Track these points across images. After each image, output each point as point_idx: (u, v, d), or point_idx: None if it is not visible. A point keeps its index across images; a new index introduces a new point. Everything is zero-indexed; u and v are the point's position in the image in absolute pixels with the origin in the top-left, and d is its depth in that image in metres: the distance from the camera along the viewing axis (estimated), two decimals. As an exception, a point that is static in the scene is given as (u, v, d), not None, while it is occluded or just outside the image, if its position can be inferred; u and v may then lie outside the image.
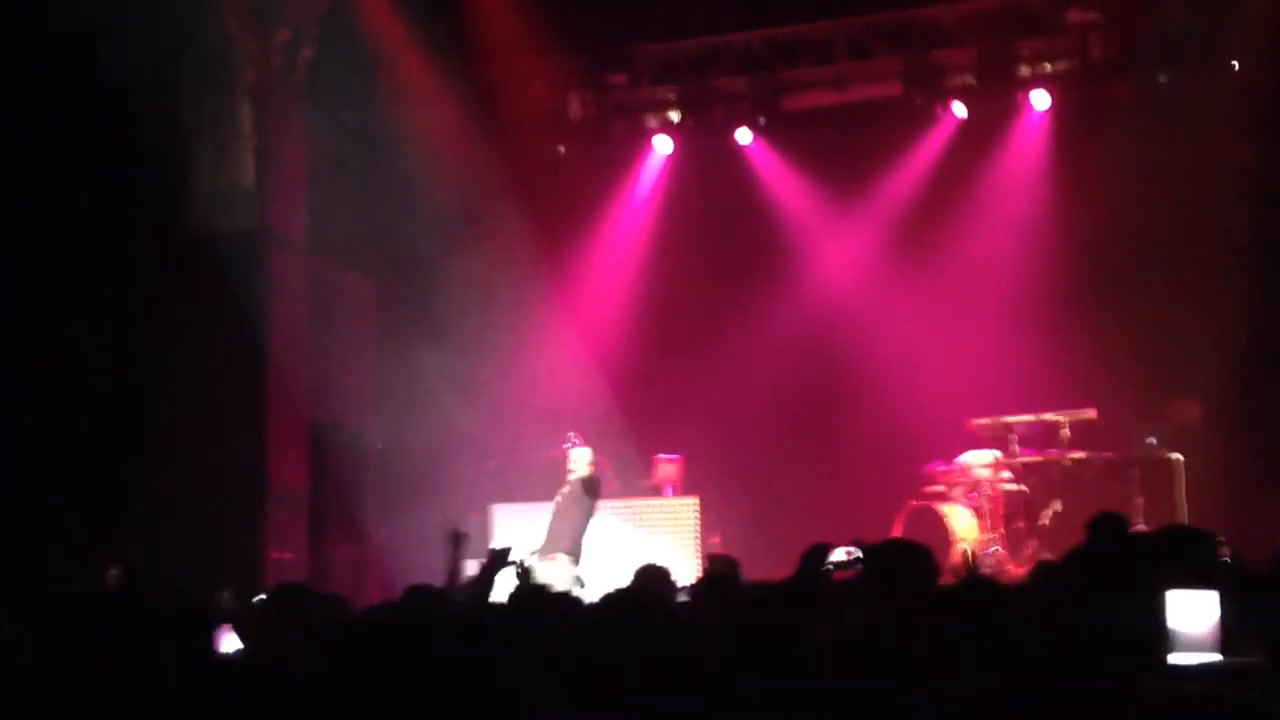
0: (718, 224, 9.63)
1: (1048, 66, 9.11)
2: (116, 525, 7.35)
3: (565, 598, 3.50)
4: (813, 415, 9.39)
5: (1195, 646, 3.00)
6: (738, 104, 9.35)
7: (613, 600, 3.16)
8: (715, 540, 8.22)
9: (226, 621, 3.63)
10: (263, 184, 8.41)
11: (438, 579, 6.79)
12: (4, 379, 7.62)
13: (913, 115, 9.22)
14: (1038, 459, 8.53)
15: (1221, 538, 6.49)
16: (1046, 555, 7.86)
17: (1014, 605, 3.04)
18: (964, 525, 8.34)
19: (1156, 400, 8.58)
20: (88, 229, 7.85)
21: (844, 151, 9.51)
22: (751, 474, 9.09)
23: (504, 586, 4.47)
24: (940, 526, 8.22)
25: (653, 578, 4.64)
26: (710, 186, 9.63)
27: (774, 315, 9.73)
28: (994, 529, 8.32)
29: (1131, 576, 3.22)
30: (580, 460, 7.47)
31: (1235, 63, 8.48)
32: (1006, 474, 8.48)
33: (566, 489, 7.41)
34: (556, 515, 7.28)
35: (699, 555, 7.99)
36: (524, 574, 5.03)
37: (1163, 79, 8.61)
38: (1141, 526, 7.13)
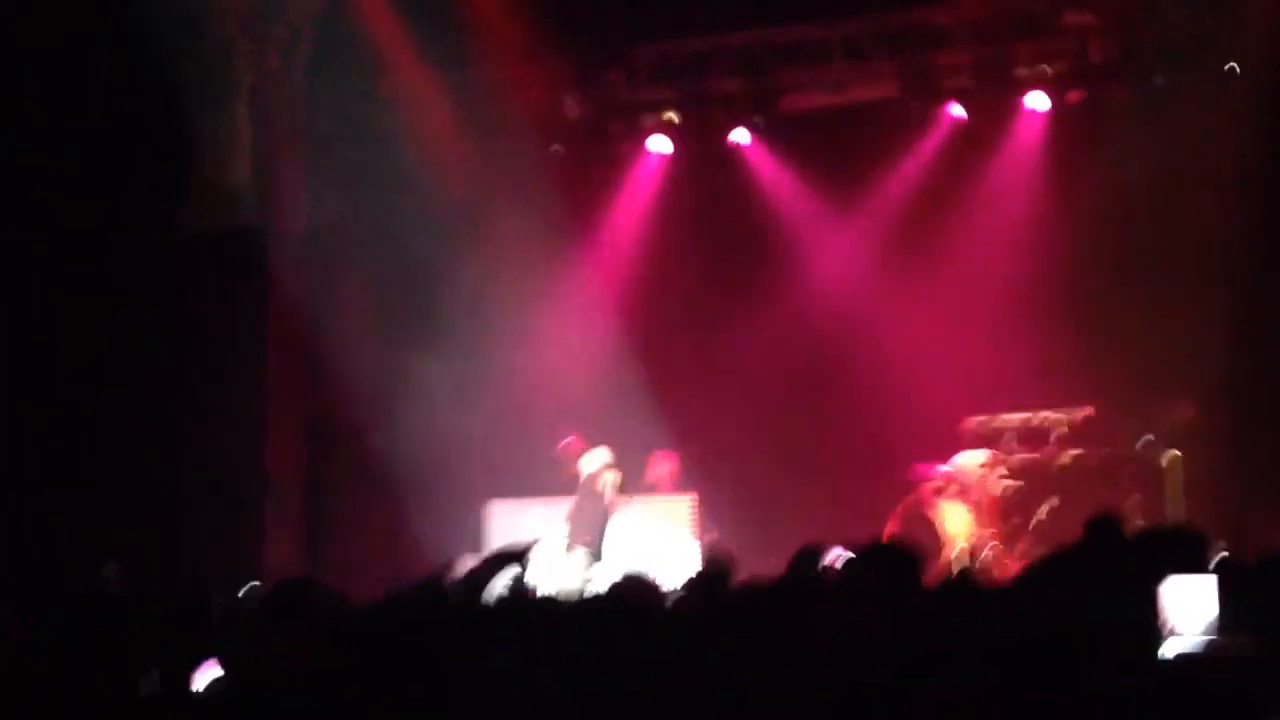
0: (714, 224, 9.65)
1: (1044, 69, 9.13)
2: (114, 521, 7.38)
3: (551, 598, 3.52)
4: (809, 413, 9.42)
5: (1190, 632, 3.03)
6: (735, 105, 9.36)
7: (601, 600, 3.20)
8: (711, 538, 8.25)
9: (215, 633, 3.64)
10: (261, 183, 8.44)
11: (433, 574, 6.80)
12: (2, 374, 7.64)
13: (909, 117, 9.24)
14: (1033, 457, 8.57)
15: (1221, 542, 6.54)
16: (1041, 553, 7.90)
17: (1005, 602, 3.08)
18: (959, 524, 8.38)
19: (1152, 399, 8.62)
20: (86, 226, 7.89)
21: (841, 153, 9.53)
22: (747, 471, 9.12)
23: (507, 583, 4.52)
24: (933, 527, 8.26)
25: (636, 588, 4.66)
26: (707, 187, 9.65)
27: (770, 314, 9.76)
28: (989, 527, 8.35)
29: (1124, 570, 3.25)
30: (595, 460, 7.56)
31: (1233, 66, 8.49)
32: (1002, 471, 8.51)
33: (583, 487, 7.50)
34: (576, 510, 7.38)
35: (697, 552, 8.01)
36: (519, 574, 5.05)
37: (1160, 81, 8.63)
38: (1140, 524, 7.16)
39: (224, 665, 2.94)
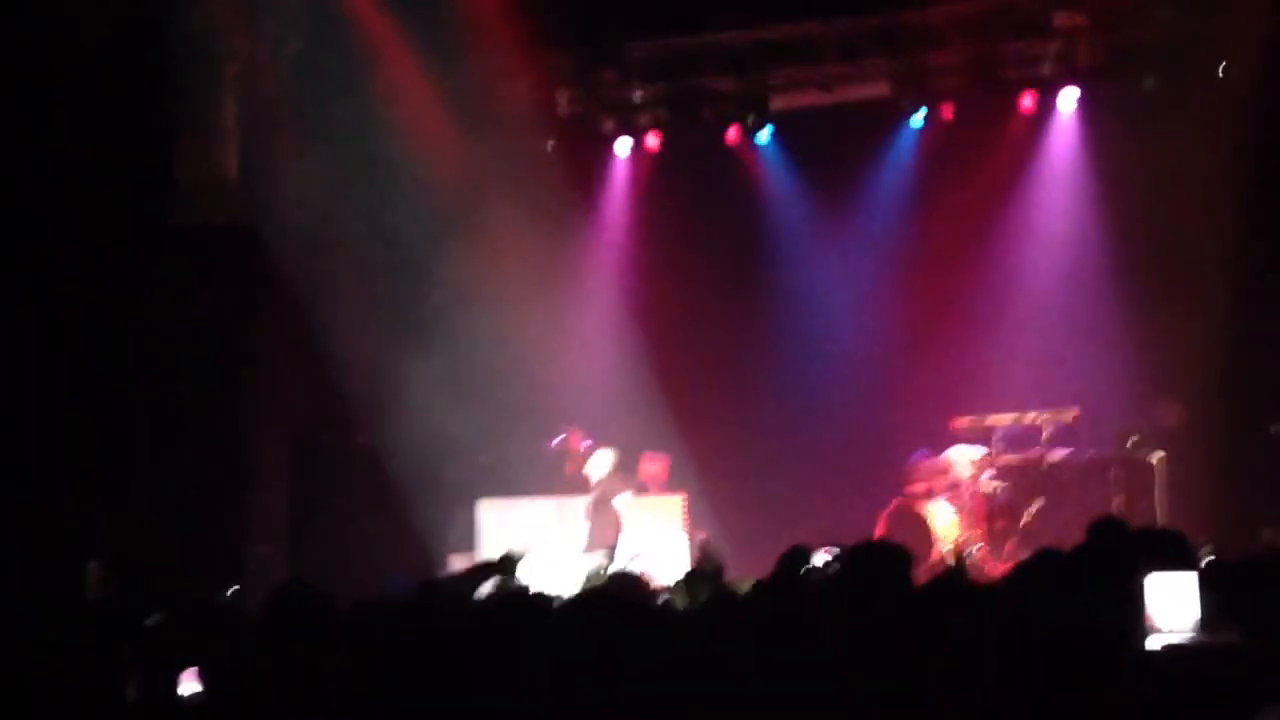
0: (705, 222, 9.65)
1: (1036, 69, 9.15)
2: (97, 520, 7.33)
3: (542, 597, 3.51)
4: (799, 413, 9.44)
5: (1174, 627, 3.06)
6: (727, 103, 9.36)
7: (591, 598, 3.19)
8: (703, 537, 8.26)
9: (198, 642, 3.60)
10: (249, 177, 8.39)
11: (421, 575, 6.80)
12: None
13: (901, 116, 9.26)
14: (1020, 458, 8.60)
15: (1208, 542, 6.58)
16: (1027, 554, 7.93)
17: (995, 601, 3.08)
18: (946, 524, 8.41)
19: (1138, 401, 8.66)
20: (69, 220, 7.82)
21: (832, 151, 9.54)
22: (738, 471, 9.12)
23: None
24: (923, 526, 8.28)
25: (626, 586, 4.67)
26: (698, 185, 9.64)
27: (761, 313, 9.77)
28: (975, 528, 8.38)
29: (1110, 568, 3.27)
30: (600, 464, 7.60)
31: (1222, 67, 8.53)
32: (989, 473, 8.54)
33: (595, 491, 7.56)
34: (592, 514, 7.45)
35: (687, 552, 8.02)
36: (508, 574, 5.05)
37: (1149, 83, 8.66)
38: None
39: (211, 671, 2.93)
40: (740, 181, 9.77)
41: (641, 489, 8.48)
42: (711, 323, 9.46)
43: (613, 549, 7.23)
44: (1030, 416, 8.50)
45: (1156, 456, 8.16)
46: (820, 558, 3.76)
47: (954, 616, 2.89)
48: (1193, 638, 3.05)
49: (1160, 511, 7.91)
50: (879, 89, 9.25)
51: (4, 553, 6.75)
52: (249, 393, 8.38)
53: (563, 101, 9.61)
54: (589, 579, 5.31)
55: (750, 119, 9.33)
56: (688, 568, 6.61)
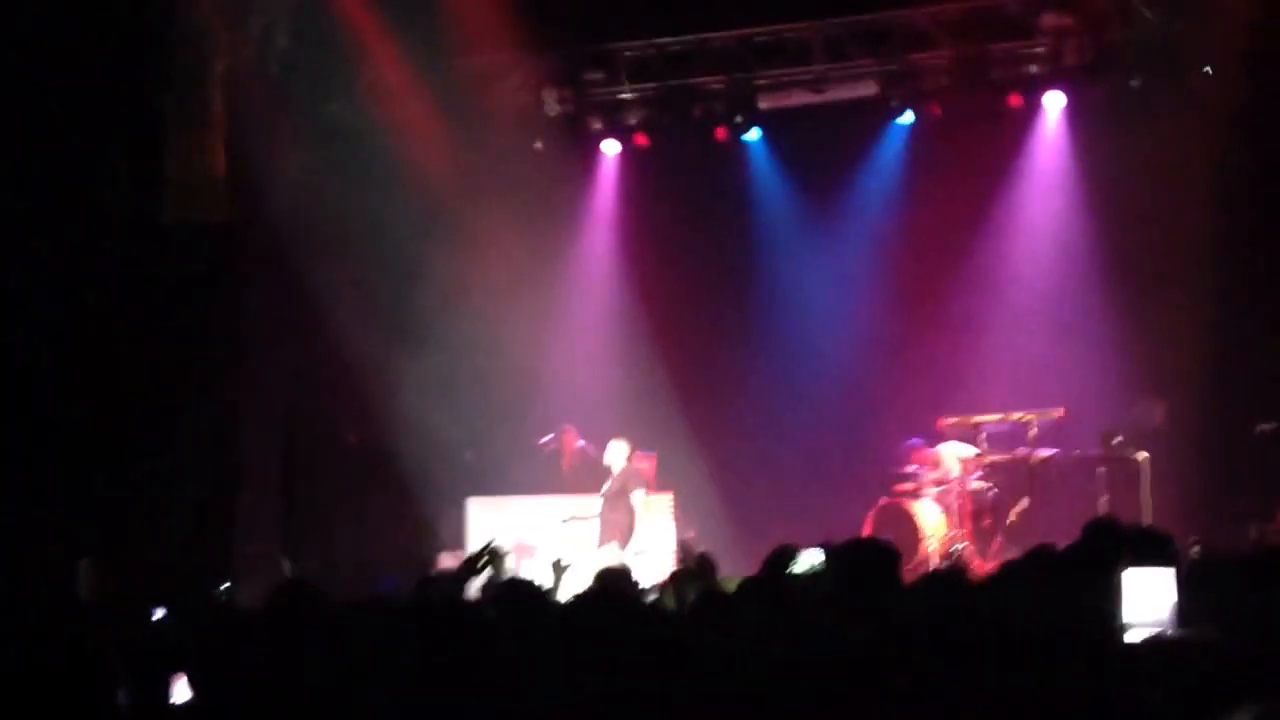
0: (694, 222, 9.67)
1: (1022, 70, 9.19)
2: (88, 517, 7.31)
3: (534, 595, 3.52)
4: (786, 412, 9.47)
5: (1152, 623, 3.09)
6: (715, 103, 9.38)
7: (580, 600, 3.21)
8: (690, 536, 8.29)
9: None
10: (236, 175, 8.37)
11: (409, 572, 6.80)
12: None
13: (889, 116, 9.29)
14: (1005, 458, 8.65)
15: (1197, 542, 6.61)
16: (1013, 553, 7.99)
17: (979, 598, 3.11)
18: (933, 523, 8.45)
19: (1124, 400, 8.71)
20: (57, 217, 7.78)
21: (820, 151, 9.57)
22: (726, 470, 9.15)
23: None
24: (910, 524, 8.33)
25: (615, 579, 4.69)
26: (687, 185, 9.66)
27: (748, 312, 9.80)
28: (961, 527, 8.43)
29: (1090, 561, 3.30)
30: (617, 454, 7.63)
31: (1207, 68, 8.58)
32: (977, 472, 8.59)
33: (610, 484, 7.58)
34: (606, 508, 7.49)
35: (674, 551, 8.04)
36: (496, 569, 5.06)
37: (1135, 83, 8.71)
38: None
39: (208, 670, 2.93)
40: (728, 181, 9.80)
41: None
42: (700, 322, 9.48)
43: (626, 544, 7.28)
44: (1017, 416, 8.55)
45: (1142, 455, 8.22)
46: (808, 556, 3.78)
47: (942, 614, 2.92)
48: (1172, 633, 3.09)
49: (1146, 510, 7.97)
50: (867, 89, 9.28)
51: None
52: (239, 392, 8.35)
53: (551, 101, 9.61)
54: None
55: (738, 119, 9.35)
56: (675, 566, 6.64)
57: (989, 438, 8.58)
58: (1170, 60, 8.59)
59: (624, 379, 9.37)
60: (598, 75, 9.51)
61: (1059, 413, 8.53)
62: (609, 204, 10.09)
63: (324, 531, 8.69)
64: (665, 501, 8.24)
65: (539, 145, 9.74)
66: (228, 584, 6.47)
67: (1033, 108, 9.19)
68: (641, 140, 9.67)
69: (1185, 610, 3.13)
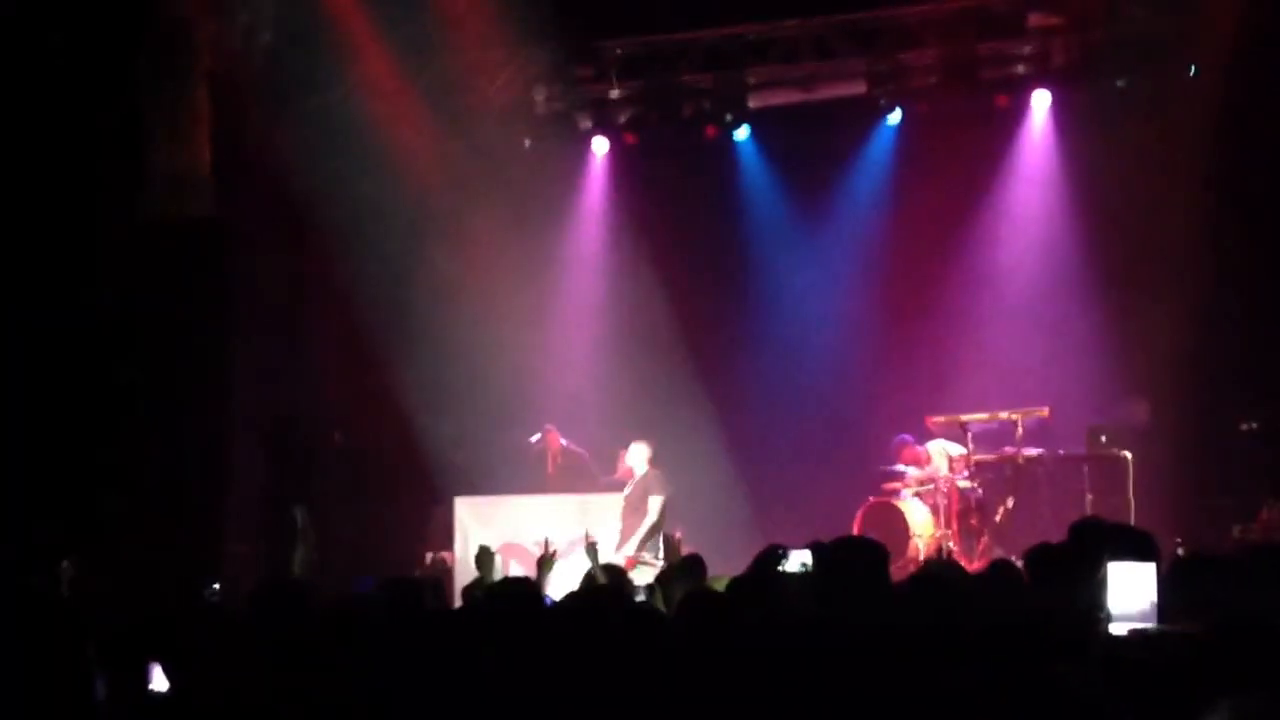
0: (683, 219, 9.66)
1: (1010, 69, 9.22)
2: (71, 518, 7.25)
3: (525, 596, 3.51)
4: (775, 410, 9.48)
5: (1134, 617, 3.11)
6: (704, 101, 9.38)
7: (572, 600, 3.20)
8: (678, 535, 8.28)
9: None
10: (220, 171, 8.31)
11: (396, 571, 6.77)
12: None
13: (877, 115, 9.31)
14: (993, 457, 8.68)
15: (1178, 537, 6.63)
16: (999, 551, 8.02)
17: (967, 596, 3.12)
18: (920, 522, 8.48)
19: (1108, 399, 8.75)
20: (40, 214, 7.71)
21: (809, 150, 9.58)
22: (714, 469, 9.15)
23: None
24: (898, 523, 8.35)
25: (610, 576, 4.69)
26: (676, 182, 9.66)
27: (737, 310, 9.80)
28: (949, 525, 8.46)
29: (1077, 560, 3.32)
30: (638, 457, 7.64)
31: (1193, 68, 8.62)
32: (963, 471, 8.62)
33: (632, 488, 7.59)
34: (626, 510, 7.57)
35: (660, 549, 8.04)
36: (486, 567, 5.05)
37: (1121, 83, 8.74)
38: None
39: (193, 669, 2.91)
40: (717, 179, 9.80)
41: (620, 485, 8.50)
42: (688, 320, 9.48)
43: (652, 545, 7.31)
44: (1003, 415, 8.58)
45: (1127, 454, 8.26)
46: (797, 555, 3.78)
47: (932, 612, 2.93)
48: (1154, 627, 3.11)
49: (1132, 509, 8.00)
50: (855, 88, 9.29)
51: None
52: (224, 391, 8.30)
53: (540, 99, 9.59)
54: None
55: (728, 117, 9.35)
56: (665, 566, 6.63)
57: (975, 437, 8.61)
58: (1156, 60, 8.63)
59: (612, 378, 9.36)
60: (587, 73, 9.50)
61: (1044, 412, 8.57)
62: (598, 201, 10.08)
63: (310, 531, 8.64)
64: (654, 501, 8.22)
65: (528, 143, 9.72)
66: (216, 585, 6.42)
67: (1020, 107, 9.22)
68: (630, 138, 9.66)
69: (1168, 607, 3.15)
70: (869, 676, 2.75)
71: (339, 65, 8.88)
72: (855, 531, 8.07)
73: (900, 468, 8.77)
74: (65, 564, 6.06)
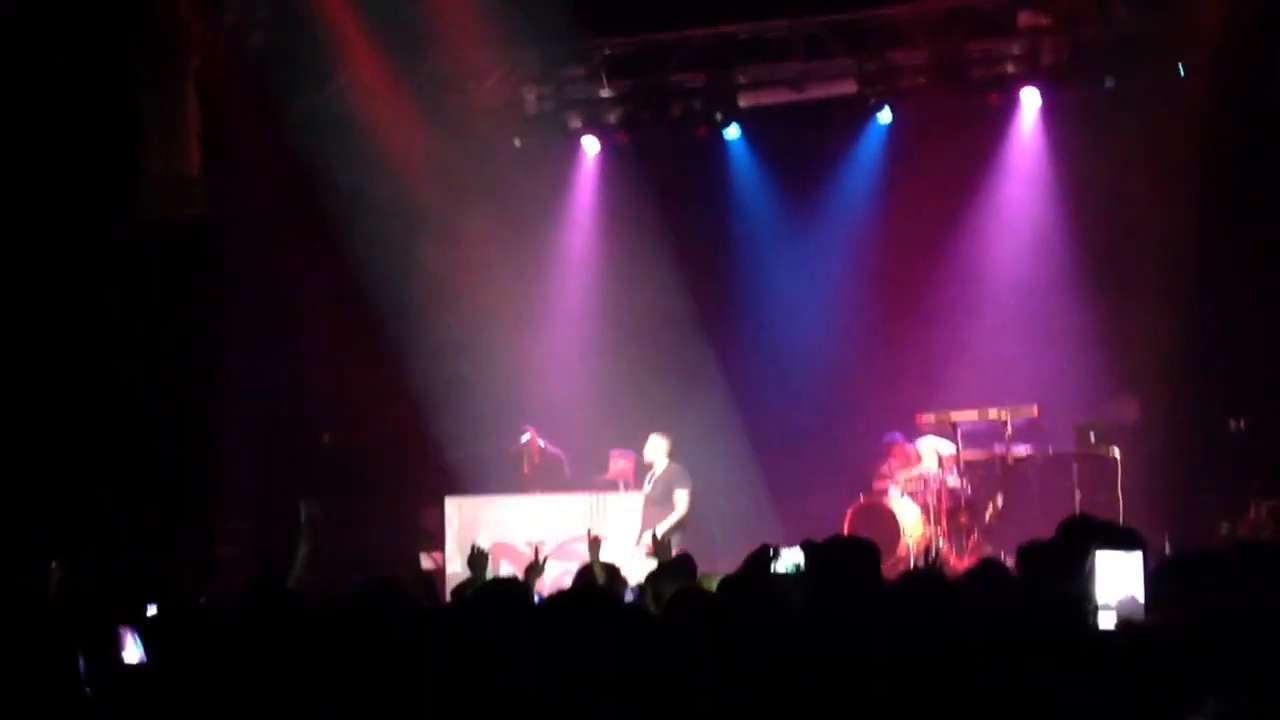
0: (673, 219, 9.67)
1: (999, 69, 9.25)
2: (61, 519, 7.23)
3: (511, 595, 3.51)
4: (765, 409, 9.49)
5: (1122, 608, 3.12)
6: (694, 100, 9.38)
7: (563, 598, 3.20)
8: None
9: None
10: (211, 172, 8.30)
11: (386, 572, 6.74)
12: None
13: (867, 114, 9.33)
14: (982, 455, 8.71)
15: (1167, 534, 6.64)
16: (989, 550, 8.05)
17: (957, 594, 3.14)
18: (911, 521, 8.50)
19: (1097, 397, 8.78)
20: (31, 217, 7.69)
21: (800, 149, 9.60)
22: (705, 467, 9.16)
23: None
24: (888, 522, 8.37)
25: (606, 574, 4.69)
26: (667, 182, 9.66)
27: (727, 309, 9.82)
28: (939, 524, 8.48)
29: (1063, 551, 3.33)
30: (657, 451, 7.61)
31: (1180, 67, 8.66)
32: (953, 469, 8.64)
33: (653, 485, 7.61)
34: (647, 505, 7.57)
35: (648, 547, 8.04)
36: (479, 568, 5.05)
37: (1110, 83, 8.78)
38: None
39: (185, 670, 2.91)
40: (708, 179, 9.81)
41: (611, 485, 8.51)
42: (678, 319, 9.48)
43: (667, 544, 7.32)
44: (993, 413, 8.60)
45: (1117, 452, 8.29)
46: (789, 555, 3.78)
47: (924, 611, 2.94)
48: (1141, 618, 3.12)
49: (1121, 507, 8.04)
50: (845, 87, 9.31)
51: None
52: (214, 391, 8.29)
53: (530, 99, 9.58)
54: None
55: (718, 116, 9.36)
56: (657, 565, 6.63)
57: (964, 435, 8.64)
58: (1145, 60, 8.66)
59: (602, 377, 9.36)
60: (577, 72, 9.50)
61: (1033, 410, 8.60)
62: (589, 201, 10.08)
63: (299, 532, 8.63)
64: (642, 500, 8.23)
65: (518, 142, 9.71)
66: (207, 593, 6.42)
67: (1009, 106, 9.25)
68: (621, 137, 9.66)
69: (1156, 603, 3.17)
70: (863, 675, 2.76)
71: (329, 65, 8.87)
72: (845, 531, 8.09)
73: (890, 466, 8.80)
74: (55, 566, 6.04)
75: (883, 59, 9.06)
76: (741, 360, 9.55)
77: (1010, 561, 3.77)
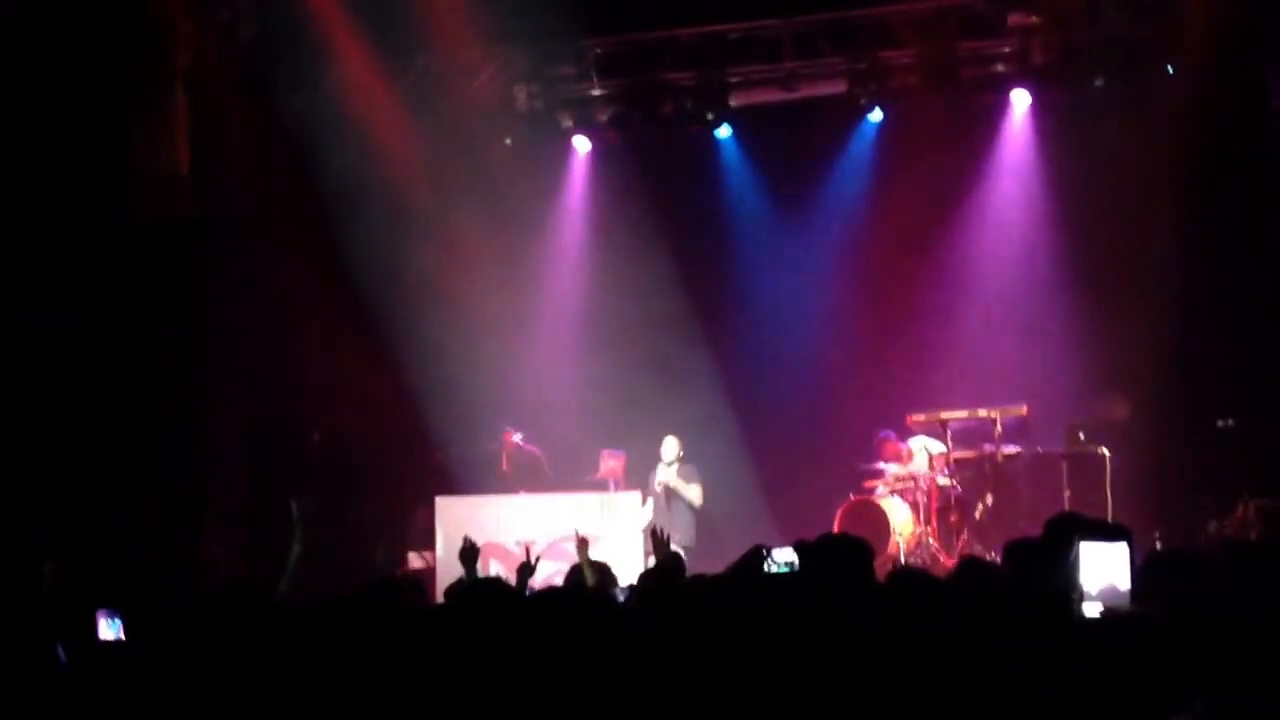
0: (664, 218, 9.67)
1: (989, 68, 9.27)
2: (51, 517, 7.20)
3: (500, 595, 3.50)
4: (755, 408, 9.50)
5: (1107, 597, 3.14)
6: (685, 99, 9.39)
7: (553, 597, 3.20)
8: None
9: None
10: (200, 170, 8.27)
11: (375, 572, 6.75)
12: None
13: (858, 114, 9.35)
14: (972, 454, 8.74)
15: (1155, 533, 6.67)
16: (978, 548, 8.08)
17: (951, 593, 3.15)
18: (901, 519, 8.52)
19: (1086, 397, 8.82)
20: (20, 215, 7.65)
21: (791, 149, 9.61)
22: (696, 465, 9.17)
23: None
24: (879, 520, 8.39)
25: (596, 574, 4.69)
26: (657, 181, 9.67)
27: (718, 308, 9.82)
28: (928, 523, 8.51)
29: (1050, 546, 3.35)
30: (672, 450, 7.67)
31: (1169, 67, 8.70)
32: (943, 468, 8.67)
33: (664, 481, 7.66)
34: (664, 507, 7.75)
35: (644, 550, 8.05)
36: (470, 562, 5.03)
37: (1100, 83, 8.81)
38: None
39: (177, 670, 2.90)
40: (699, 178, 9.81)
41: (601, 484, 8.50)
42: (668, 318, 9.49)
43: (688, 543, 7.40)
44: (982, 412, 8.63)
45: (1106, 452, 8.32)
46: (781, 554, 3.79)
47: (915, 609, 2.95)
48: (1128, 608, 3.14)
49: (1109, 506, 8.07)
50: (836, 86, 9.33)
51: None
52: (203, 390, 8.26)
53: (521, 97, 9.57)
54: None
55: (709, 115, 9.37)
56: (648, 564, 6.64)
57: (954, 434, 8.66)
58: (1134, 60, 8.70)
59: (593, 376, 9.36)
60: (568, 71, 9.49)
61: (1023, 409, 8.63)
62: (580, 200, 10.07)
63: (289, 531, 8.60)
64: (633, 499, 8.24)
65: (509, 141, 9.70)
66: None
67: (999, 106, 9.28)
68: (612, 136, 9.66)
69: (1141, 595, 3.18)
70: (856, 673, 2.76)
71: (319, 64, 8.85)
72: (835, 529, 8.10)
73: (881, 465, 8.82)
74: (48, 565, 6.02)
75: (873, 58, 9.07)
76: (732, 359, 9.56)
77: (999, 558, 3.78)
